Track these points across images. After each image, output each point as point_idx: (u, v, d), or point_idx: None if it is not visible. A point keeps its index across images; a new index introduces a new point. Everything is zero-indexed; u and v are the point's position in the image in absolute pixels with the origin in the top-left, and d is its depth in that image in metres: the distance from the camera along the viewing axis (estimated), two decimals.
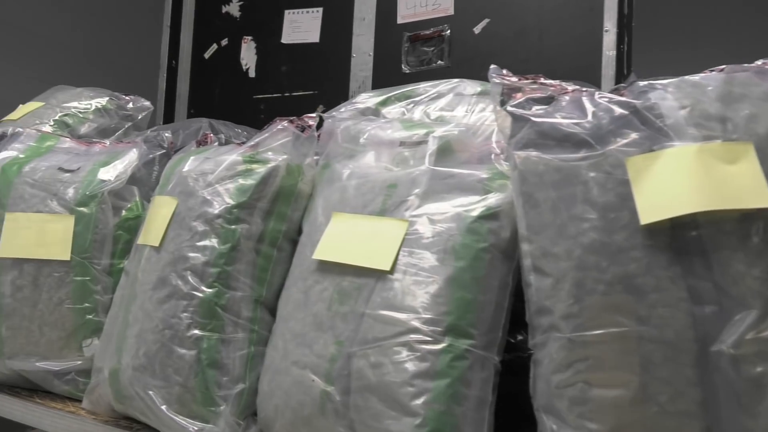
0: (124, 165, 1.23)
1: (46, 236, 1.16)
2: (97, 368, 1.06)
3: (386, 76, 1.89)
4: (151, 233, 1.02)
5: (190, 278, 0.95)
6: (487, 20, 1.76)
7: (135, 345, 0.96)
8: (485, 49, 1.75)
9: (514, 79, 0.87)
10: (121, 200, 1.23)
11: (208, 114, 1.82)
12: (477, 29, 1.77)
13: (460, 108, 1.14)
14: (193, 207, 0.99)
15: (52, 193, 1.19)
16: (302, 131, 1.05)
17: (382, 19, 1.91)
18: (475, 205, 0.87)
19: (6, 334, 1.16)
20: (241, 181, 1.00)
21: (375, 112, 1.21)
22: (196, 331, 0.93)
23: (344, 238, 0.91)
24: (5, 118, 1.58)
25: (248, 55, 2.15)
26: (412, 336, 0.80)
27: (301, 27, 2.06)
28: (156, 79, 2.30)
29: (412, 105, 1.21)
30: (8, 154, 1.26)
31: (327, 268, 0.91)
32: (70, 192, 1.18)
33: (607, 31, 1.60)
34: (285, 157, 1.02)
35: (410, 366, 0.79)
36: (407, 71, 1.86)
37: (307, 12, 1.99)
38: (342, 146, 1.06)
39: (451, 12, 1.81)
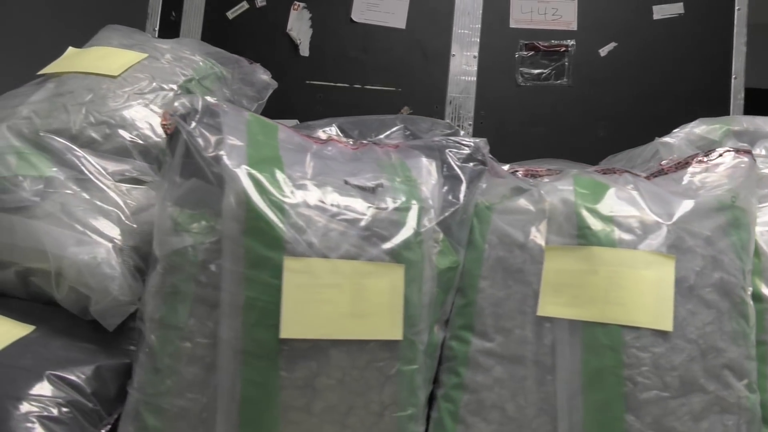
0: (428, 186, 0.80)
1: (365, 301, 0.68)
2: None
3: (495, 85, 1.62)
4: (621, 306, 0.65)
5: (732, 380, 0.64)
6: (614, 44, 1.63)
7: None
8: (610, 74, 1.62)
9: None
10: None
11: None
12: (603, 51, 1.63)
13: None
14: (702, 271, 0.67)
15: (362, 228, 0.71)
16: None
17: (490, 19, 1.64)
18: None
19: None
20: (735, 235, 0.71)
21: (711, 144, 1.00)
22: None
23: None
24: (84, 69, 0.92)
25: (299, 27, 1.65)
26: None
27: (380, 6, 1.65)
28: None
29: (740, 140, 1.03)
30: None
31: None
32: (389, 226, 0.72)
33: (735, 78, 1.62)
34: (753, 199, 0.77)
35: None
36: (521, 83, 1.62)
37: None
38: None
39: (574, 27, 1.64)
